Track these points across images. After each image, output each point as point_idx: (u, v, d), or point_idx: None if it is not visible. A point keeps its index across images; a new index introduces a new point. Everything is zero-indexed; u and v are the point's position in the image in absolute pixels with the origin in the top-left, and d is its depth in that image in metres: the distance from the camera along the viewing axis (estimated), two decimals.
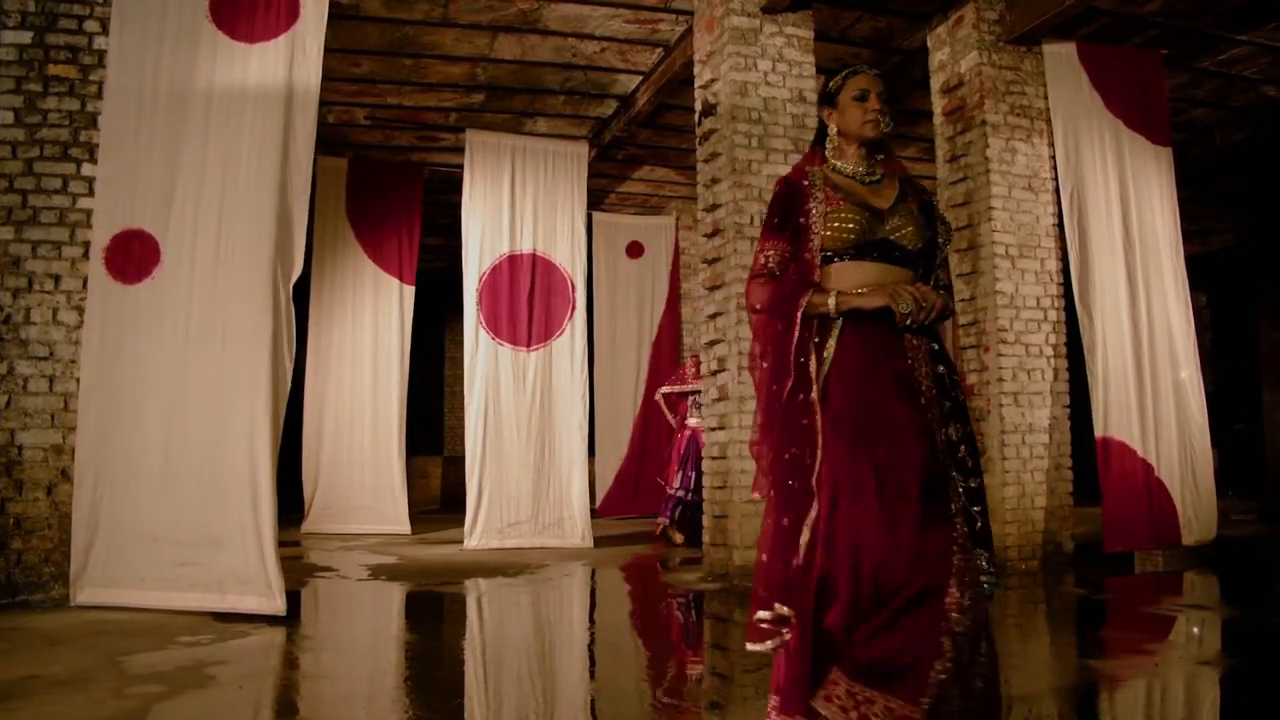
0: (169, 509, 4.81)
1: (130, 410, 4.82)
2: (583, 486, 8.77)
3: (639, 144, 10.50)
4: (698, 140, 6.83)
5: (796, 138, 6.50)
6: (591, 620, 5.70)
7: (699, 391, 8.44)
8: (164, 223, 4.93)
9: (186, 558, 4.76)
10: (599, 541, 8.86)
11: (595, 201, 12.21)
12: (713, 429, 6.50)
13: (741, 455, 6.13)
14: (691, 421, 8.94)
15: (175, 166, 4.97)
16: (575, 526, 8.74)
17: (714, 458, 6.45)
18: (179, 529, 4.79)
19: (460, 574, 6.95)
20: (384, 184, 10.42)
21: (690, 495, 8.84)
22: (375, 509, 10.18)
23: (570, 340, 9.04)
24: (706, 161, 6.69)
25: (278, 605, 4.81)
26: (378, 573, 7.03)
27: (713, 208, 6.57)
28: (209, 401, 4.82)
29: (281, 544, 9.07)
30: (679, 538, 8.99)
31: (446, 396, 17.22)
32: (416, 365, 16.91)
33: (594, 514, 11.79)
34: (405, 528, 10.11)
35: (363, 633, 5.05)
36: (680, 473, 8.99)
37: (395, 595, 6.15)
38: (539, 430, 8.82)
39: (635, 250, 12.38)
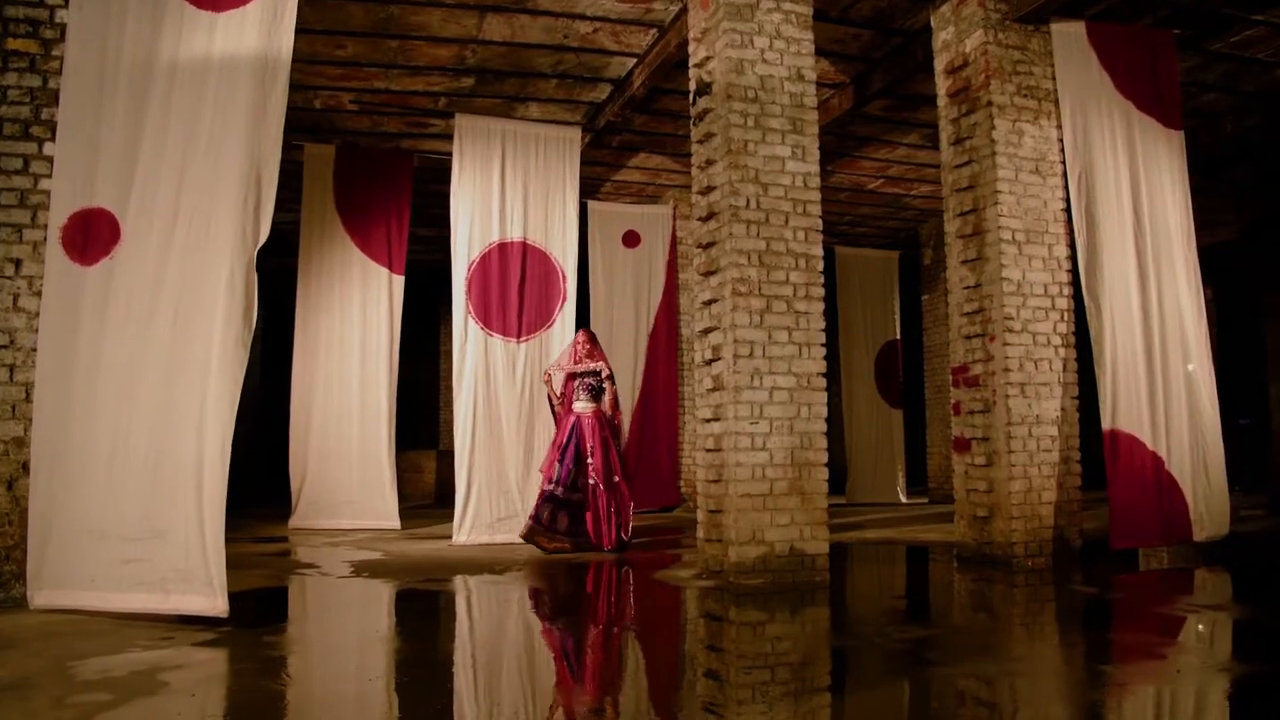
0: (115, 502, 4.51)
1: (85, 398, 4.53)
2: None
3: (634, 130, 10.23)
4: (692, 121, 6.57)
5: (794, 117, 6.24)
6: (578, 621, 5.45)
7: (594, 374, 8.07)
8: (124, 199, 4.66)
9: (132, 554, 4.45)
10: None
11: (591, 190, 11.95)
12: (707, 420, 6.24)
13: (738, 447, 5.88)
14: (578, 406, 8.04)
15: (137, 141, 4.71)
16: None
17: (709, 450, 6.19)
18: (124, 523, 4.49)
19: (446, 571, 6.70)
20: (372, 171, 10.17)
21: (564, 491, 7.77)
22: (364, 504, 9.93)
23: (561, 332, 8.80)
24: (701, 143, 6.43)
25: (218, 606, 4.46)
26: (360, 569, 6.78)
27: (707, 190, 6.31)
28: (157, 384, 4.53)
29: (267, 540, 9.28)
30: (550, 545, 7.71)
31: (441, 390, 16.98)
32: (410, 359, 16.70)
33: None
34: (394, 523, 9.87)
35: (336, 635, 4.78)
36: (559, 464, 7.86)
37: (376, 594, 5.89)
38: (529, 424, 8.57)
39: (632, 240, 12.13)
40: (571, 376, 8.09)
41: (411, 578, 6.30)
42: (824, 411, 6.14)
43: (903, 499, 13.95)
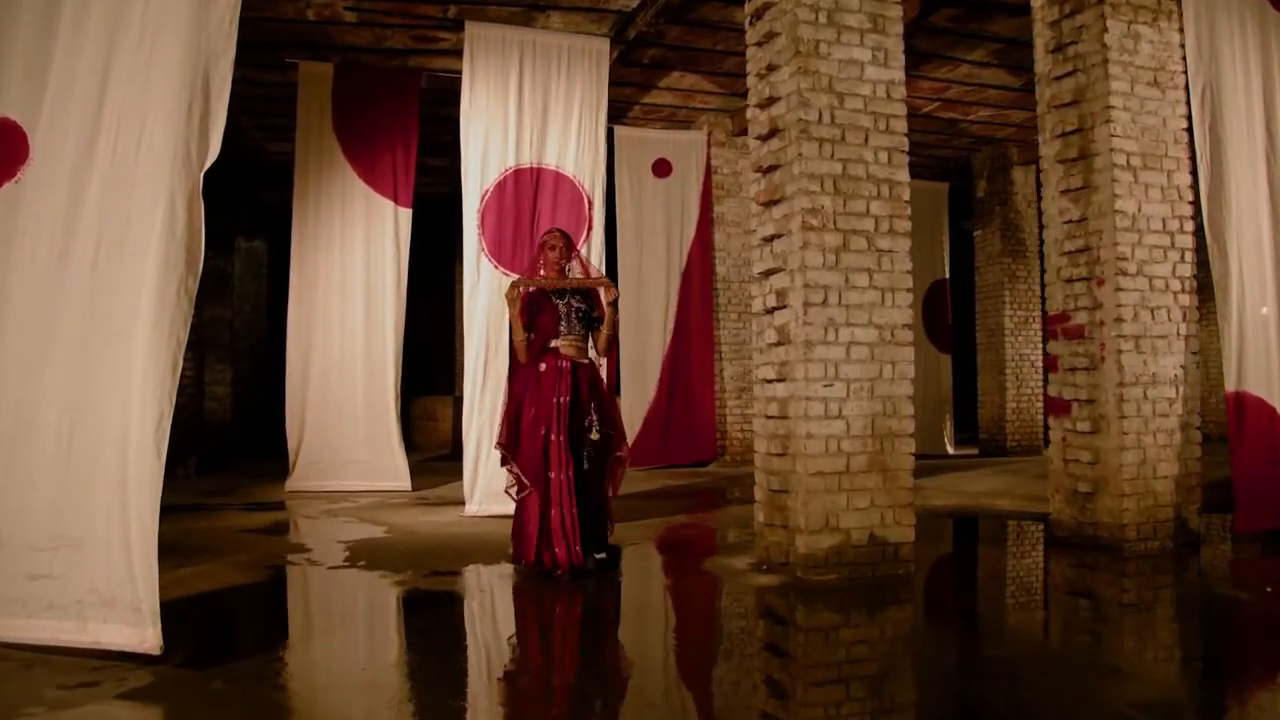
0: (15, 498, 3.49)
1: None
2: None
3: (667, 44, 9.08)
4: (748, 20, 5.45)
5: (874, 13, 5.12)
6: (617, 631, 4.49)
7: (585, 295, 5.38)
8: (34, 106, 3.60)
9: (39, 568, 3.41)
10: (621, 505, 7.62)
11: (618, 115, 10.79)
12: (769, 380, 5.20)
13: (808, 415, 4.84)
14: (564, 345, 5.24)
15: (50, 30, 3.64)
16: None
17: (771, 417, 5.16)
18: (28, 527, 3.46)
19: (457, 555, 5.71)
20: (375, 93, 9.04)
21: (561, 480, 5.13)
22: (370, 463, 8.98)
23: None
24: (760, 45, 5.31)
25: (148, 639, 3.39)
26: (357, 555, 5.77)
27: (769, 102, 5.21)
28: (72, 343, 3.49)
29: (258, 507, 8.17)
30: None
31: (457, 332, 15.96)
32: (423, 298, 15.71)
33: None
34: (404, 483, 8.93)
35: (313, 678, 3.59)
36: (548, 437, 5.12)
37: (372, 601, 4.85)
38: None
39: (662, 169, 11.01)
40: (546, 298, 5.29)
41: (417, 570, 5.28)
42: (910, 370, 5.10)
43: (950, 450, 12.98)
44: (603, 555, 5.26)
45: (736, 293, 11.52)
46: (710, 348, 11.28)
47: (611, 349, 5.63)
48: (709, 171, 11.21)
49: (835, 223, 4.95)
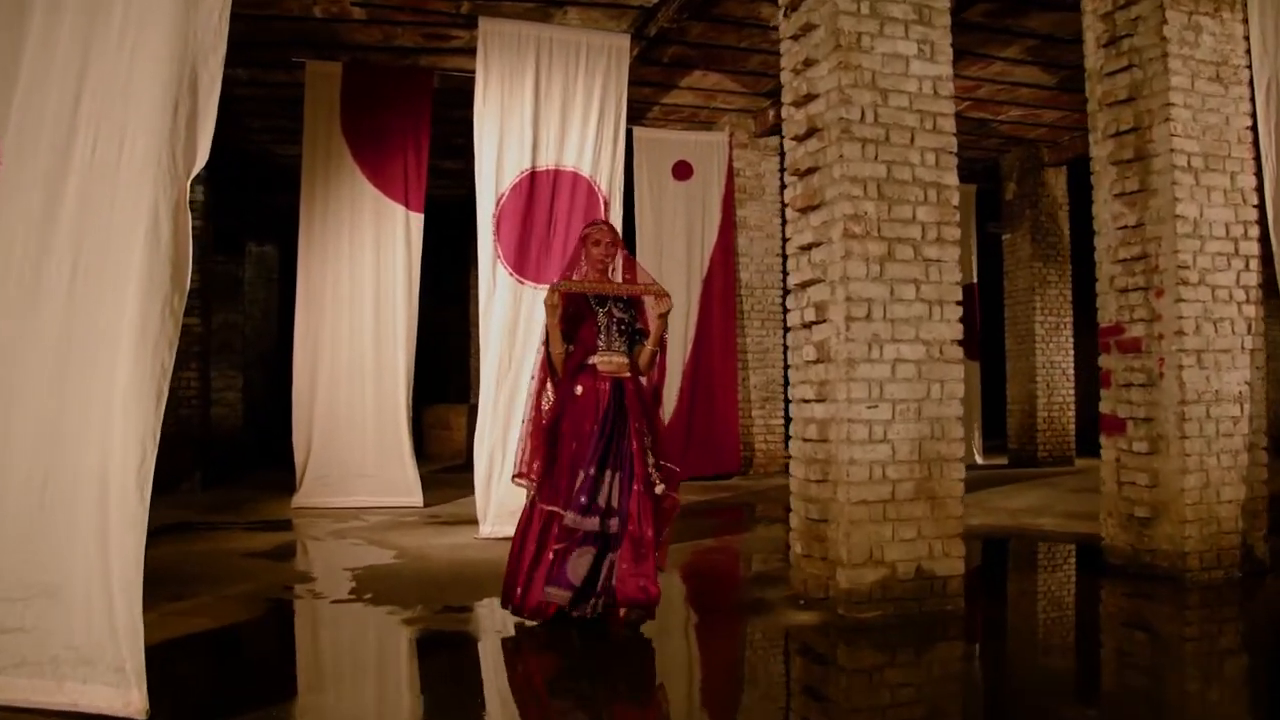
0: None
1: None
2: None
3: (689, 41, 8.71)
4: (781, 12, 5.08)
5: (920, 3, 4.74)
6: (644, 674, 4.12)
7: (629, 305, 4.54)
8: (2, 107, 3.25)
9: (11, 620, 3.03)
10: None
11: (636, 115, 10.42)
12: (806, 400, 4.82)
13: (851, 439, 4.46)
14: (603, 362, 4.42)
15: (20, 24, 3.28)
16: None
17: (809, 439, 4.79)
18: None
19: (472, 587, 5.34)
20: (385, 93, 8.68)
21: (586, 515, 4.27)
22: (380, 477, 8.63)
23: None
24: (796, 38, 4.94)
25: (132, 702, 3.01)
26: (364, 585, 5.39)
27: (806, 99, 4.83)
28: (46, 373, 3.12)
29: (264, 526, 7.69)
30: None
31: (472, 338, 15.63)
32: (437, 303, 15.39)
33: None
34: (416, 498, 8.58)
35: None
36: (581, 471, 4.30)
37: (378, 641, 4.47)
38: None
39: (683, 171, 10.63)
40: (587, 304, 4.47)
41: (428, 604, 4.90)
42: (960, 389, 4.72)
43: (979, 459, 12.57)
44: (639, 614, 4.31)
45: (760, 299, 11.14)
46: (733, 356, 10.90)
47: (654, 370, 4.61)
48: (731, 174, 10.84)
49: (879, 230, 4.57)
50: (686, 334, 10.51)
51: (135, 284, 3.15)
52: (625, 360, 4.46)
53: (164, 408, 3.17)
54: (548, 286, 6.29)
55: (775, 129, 10.72)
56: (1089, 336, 13.39)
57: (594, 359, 4.42)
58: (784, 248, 5.45)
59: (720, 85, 10.03)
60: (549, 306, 4.37)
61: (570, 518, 4.25)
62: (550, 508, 4.33)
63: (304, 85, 8.62)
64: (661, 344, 4.57)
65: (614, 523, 4.28)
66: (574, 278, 4.55)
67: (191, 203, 9.74)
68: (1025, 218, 12.77)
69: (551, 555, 4.28)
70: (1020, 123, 11.54)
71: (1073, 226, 12.96)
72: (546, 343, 4.50)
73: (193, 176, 3.38)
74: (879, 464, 4.51)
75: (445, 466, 12.36)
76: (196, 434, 9.69)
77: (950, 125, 4.75)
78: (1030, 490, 9.52)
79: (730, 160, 10.84)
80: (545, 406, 4.55)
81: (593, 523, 4.25)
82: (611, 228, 4.71)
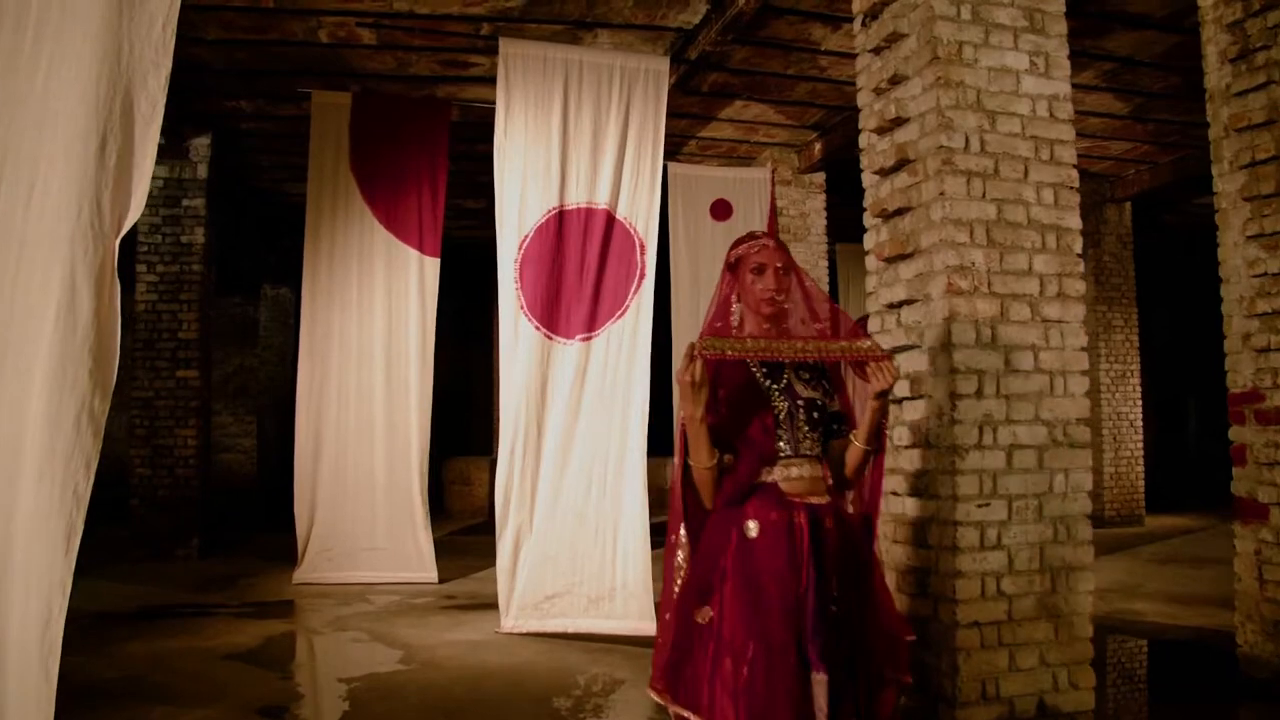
0: None
1: None
2: (643, 538, 6.14)
3: (731, 68, 7.90)
4: (859, 20, 4.24)
5: (1030, 6, 3.90)
6: None
7: (823, 376, 2.81)
8: None
9: None
10: None
11: (672, 150, 9.61)
12: (895, 494, 3.94)
13: (957, 545, 3.57)
14: (784, 479, 2.65)
15: None
16: (634, 600, 6.06)
17: (898, 542, 3.90)
18: None
19: (494, 712, 4.46)
20: (399, 126, 7.89)
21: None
22: (391, 550, 7.79)
23: (635, 321, 6.39)
24: (878, 51, 4.10)
25: None
26: (358, 709, 4.49)
27: (893, 124, 3.98)
28: None
29: (255, 610, 6.64)
30: None
31: (495, 385, 14.82)
32: (460, 346, 14.62)
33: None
34: (430, 573, 7.74)
35: None
36: (782, 683, 2.45)
37: None
38: (586, 456, 6.22)
39: (721, 211, 9.78)
40: (749, 377, 2.73)
41: None
42: (1087, 481, 3.82)
43: None
44: None
45: None
46: None
47: (866, 483, 2.86)
48: (774, 213, 9.97)
49: (989, 284, 3.70)
50: None
51: (41, 382, 2.33)
52: (820, 471, 2.70)
53: (77, 547, 2.34)
54: (579, 339, 5.54)
55: (820, 164, 9.93)
56: (1157, 386, 12.50)
57: (773, 473, 2.64)
58: (833, 292, 4.55)
59: (763, 116, 9.21)
60: (688, 386, 2.46)
61: None
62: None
63: (309, 118, 7.87)
64: (881, 433, 2.73)
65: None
66: (724, 328, 2.79)
67: (190, 246, 8.80)
68: (1087, 257, 11.83)
69: None
70: (1085, 155, 10.64)
71: (1138, 267, 12.09)
72: (684, 452, 2.61)
73: (124, 232, 2.57)
74: (992, 576, 3.61)
75: (465, 526, 11.53)
76: (195, 495, 8.88)
77: (1070, 155, 3.89)
78: (1109, 561, 8.54)
79: (773, 198, 9.99)
80: (683, 565, 2.76)
81: None
82: (780, 243, 2.80)
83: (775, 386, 2.71)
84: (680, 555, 2.77)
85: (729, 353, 2.51)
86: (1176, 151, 10.48)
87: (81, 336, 2.41)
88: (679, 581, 2.73)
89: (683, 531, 2.75)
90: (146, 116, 2.64)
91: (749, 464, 2.65)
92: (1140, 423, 11.90)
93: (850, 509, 2.84)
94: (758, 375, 2.71)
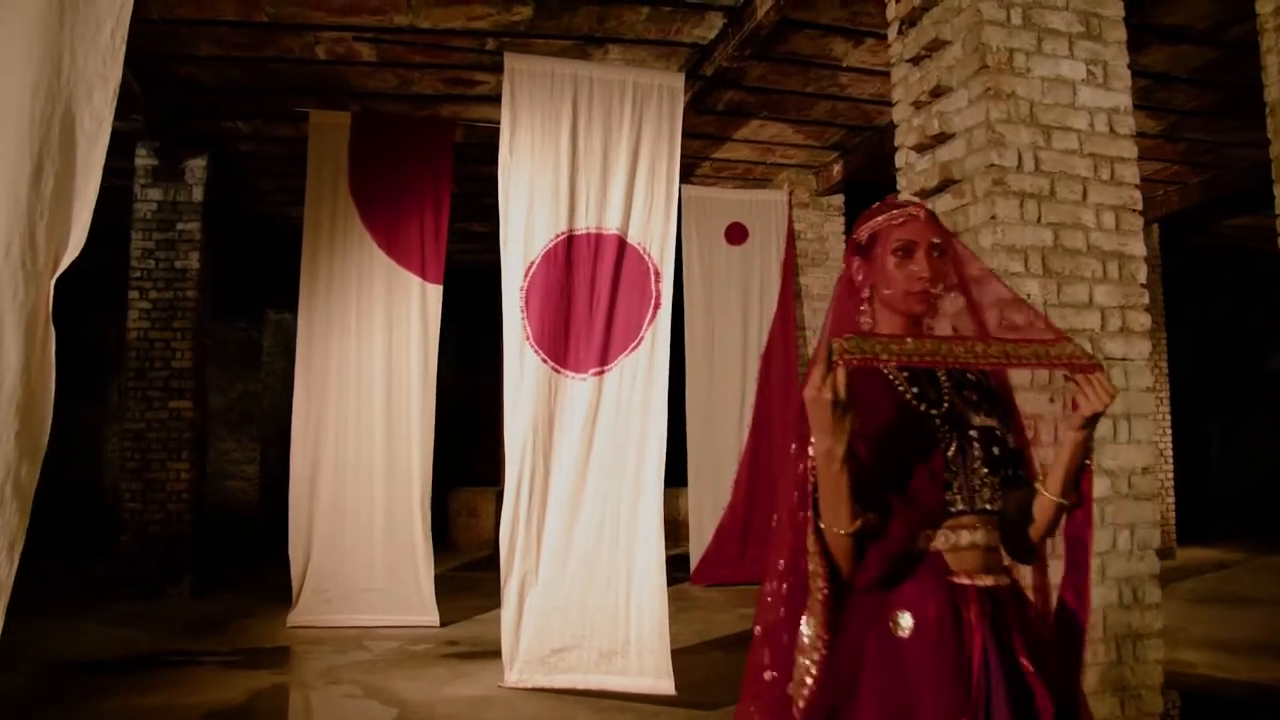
0: None
1: None
2: (659, 588, 5.69)
3: (747, 86, 7.58)
4: (895, 27, 3.88)
5: (1086, 10, 3.53)
6: None
7: (984, 394, 1.94)
8: None
9: None
10: (697, 662, 5.95)
11: (685, 171, 9.23)
12: None
13: None
14: (943, 544, 1.80)
15: None
16: (649, 656, 5.59)
17: None
18: None
19: None
20: (400, 147, 7.54)
21: None
22: (390, 592, 7.39)
23: (650, 351, 6.00)
24: (917, 61, 3.74)
25: None
26: None
27: (937, 140, 3.61)
28: None
29: (244, 659, 6.21)
30: None
31: (503, 412, 14.49)
32: (464, 374, 14.29)
33: (690, 579, 9.03)
34: (431, 616, 7.34)
35: None
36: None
37: None
38: (598, 500, 5.82)
39: (737, 235, 9.44)
40: (895, 396, 1.87)
41: None
42: (1155, 537, 3.45)
43: None
44: None
45: None
46: None
47: (1065, 541, 1.96)
48: (791, 237, 9.62)
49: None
50: (743, 417, 9.27)
51: None
52: (996, 526, 1.89)
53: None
54: (590, 374, 5.26)
55: (840, 186, 9.60)
56: (1179, 410, 12.07)
57: (935, 539, 1.82)
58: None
59: (780, 136, 8.87)
60: (828, 408, 1.60)
61: None
62: None
63: (306, 139, 7.55)
64: (1081, 488, 1.88)
65: None
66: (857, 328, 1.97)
67: (185, 271, 8.41)
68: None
69: None
70: None
71: (1166, 292, 11.70)
72: (812, 508, 1.72)
73: (60, 271, 2.22)
74: None
75: (471, 560, 11.13)
76: (188, 531, 8.51)
77: (1133, 174, 3.54)
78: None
79: (790, 221, 9.64)
80: (809, 678, 1.72)
81: None
82: (932, 214, 1.97)
83: (935, 412, 1.86)
84: (804, 663, 1.73)
85: (883, 356, 1.62)
86: (1206, 172, 10.12)
87: (8, 393, 2.07)
88: (800, 704, 1.72)
89: (807, 627, 1.74)
90: (91, 136, 2.32)
91: (904, 525, 1.77)
92: (1170, 451, 11.53)
93: (1032, 597, 1.96)
94: (908, 396, 1.87)
